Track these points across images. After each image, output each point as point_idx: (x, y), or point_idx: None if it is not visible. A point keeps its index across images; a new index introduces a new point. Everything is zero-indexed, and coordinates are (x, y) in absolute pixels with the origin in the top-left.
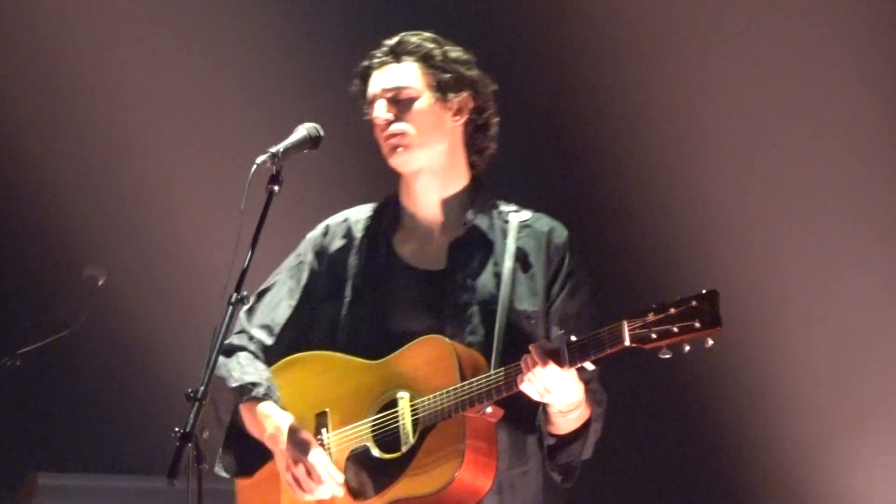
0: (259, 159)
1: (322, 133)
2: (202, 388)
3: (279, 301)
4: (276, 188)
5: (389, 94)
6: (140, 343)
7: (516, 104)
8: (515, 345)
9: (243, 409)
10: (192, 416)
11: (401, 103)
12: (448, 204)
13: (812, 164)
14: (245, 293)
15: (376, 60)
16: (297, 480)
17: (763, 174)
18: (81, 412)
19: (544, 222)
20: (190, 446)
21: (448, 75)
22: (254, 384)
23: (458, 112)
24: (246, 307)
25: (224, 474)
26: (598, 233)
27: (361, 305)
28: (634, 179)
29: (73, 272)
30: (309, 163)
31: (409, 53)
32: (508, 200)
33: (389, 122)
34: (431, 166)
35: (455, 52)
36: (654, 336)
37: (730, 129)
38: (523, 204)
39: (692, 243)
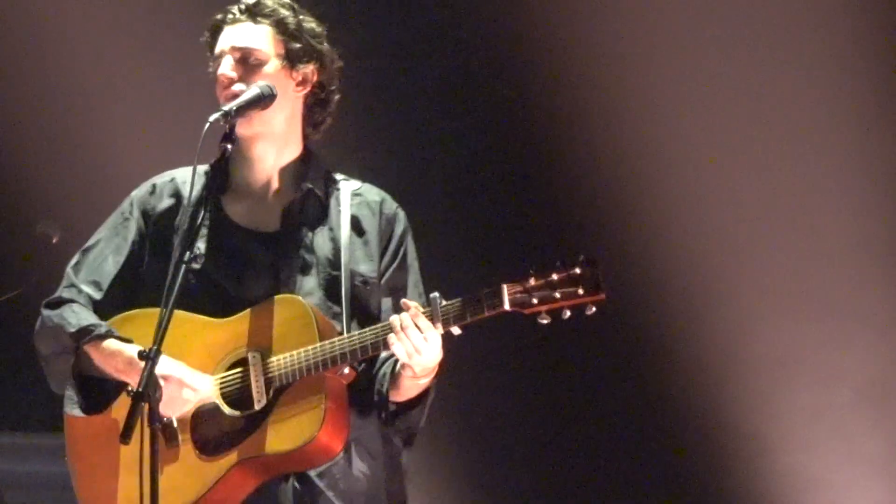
0: (212, 117)
1: (276, 91)
2: (154, 347)
3: (105, 257)
4: (229, 146)
5: (237, 54)
6: None
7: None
8: (356, 311)
9: (88, 350)
10: (145, 375)
11: (247, 65)
12: (283, 170)
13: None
14: (199, 252)
15: (230, 16)
16: (171, 398)
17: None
18: (29, 372)
19: (375, 192)
20: (143, 405)
21: (298, 45)
22: (94, 325)
23: (302, 83)
24: (72, 262)
25: (75, 414)
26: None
27: (191, 265)
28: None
29: (26, 229)
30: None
31: (265, 16)
32: (336, 170)
33: (232, 81)
34: (268, 132)
35: (309, 23)
36: (534, 301)
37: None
38: (354, 174)
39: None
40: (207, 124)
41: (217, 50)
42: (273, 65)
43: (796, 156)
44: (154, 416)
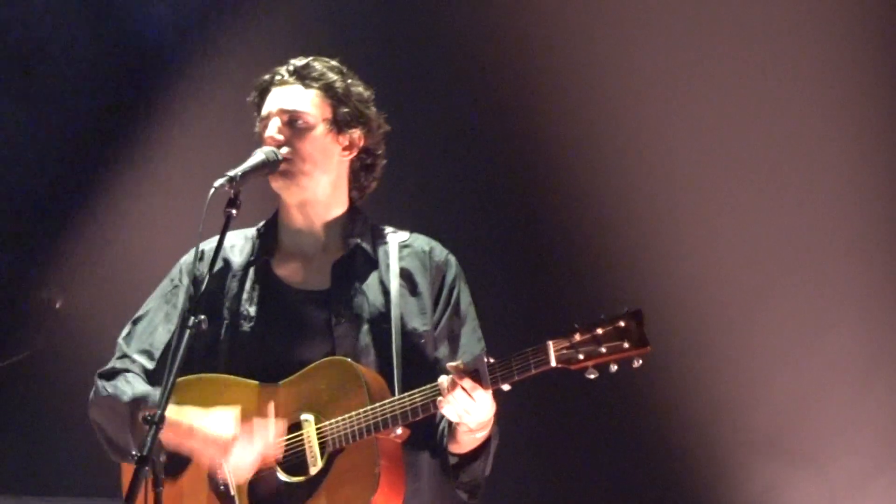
0: (217, 183)
1: (280, 156)
2: (159, 412)
3: (156, 326)
4: (233, 212)
5: (285, 117)
6: (96, 366)
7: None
8: (411, 366)
9: (141, 423)
10: (149, 439)
11: (295, 128)
12: (329, 227)
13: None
14: (202, 317)
15: (278, 77)
16: (241, 452)
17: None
18: (32, 434)
19: (423, 241)
20: (147, 469)
21: (346, 110)
22: (148, 394)
23: (349, 148)
24: (123, 334)
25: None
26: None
27: (243, 328)
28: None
29: (30, 294)
30: (266, 186)
31: (314, 79)
32: (383, 223)
33: (280, 144)
34: (314, 197)
35: (357, 88)
36: (581, 357)
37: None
38: (404, 226)
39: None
40: (212, 190)
41: (265, 111)
42: (320, 129)
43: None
44: (158, 480)
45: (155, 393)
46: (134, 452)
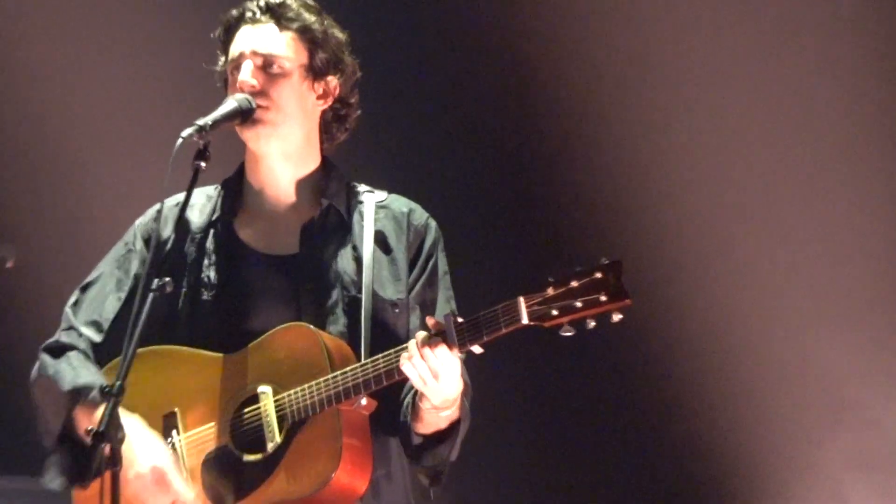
0: (185, 133)
1: (254, 104)
2: (118, 383)
3: (107, 294)
4: (202, 164)
5: (259, 60)
6: (48, 333)
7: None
8: (383, 335)
9: (78, 414)
10: (106, 413)
11: (269, 73)
12: (301, 184)
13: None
14: (167, 279)
15: (249, 13)
16: (144, 491)
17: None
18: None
19: (402, 203)
20: (104, 446)
21: (324, 55)
22: (88, 386)
23: (323, 97)
24: (70, 301)
25: (54, 488)
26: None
27: (203, 296)
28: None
29: None
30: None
31: (289, 19)
32: (359, 180)
33: (254, 90)
34: (286, 147)
35: (334, 30)
36: (555, 312)
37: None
38: (381, 184)
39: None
40: (180, 140)
41: (234, 51)
42: (296, 76)
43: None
44: (115, 457)
45: (97, 382)
46: (90, 427)
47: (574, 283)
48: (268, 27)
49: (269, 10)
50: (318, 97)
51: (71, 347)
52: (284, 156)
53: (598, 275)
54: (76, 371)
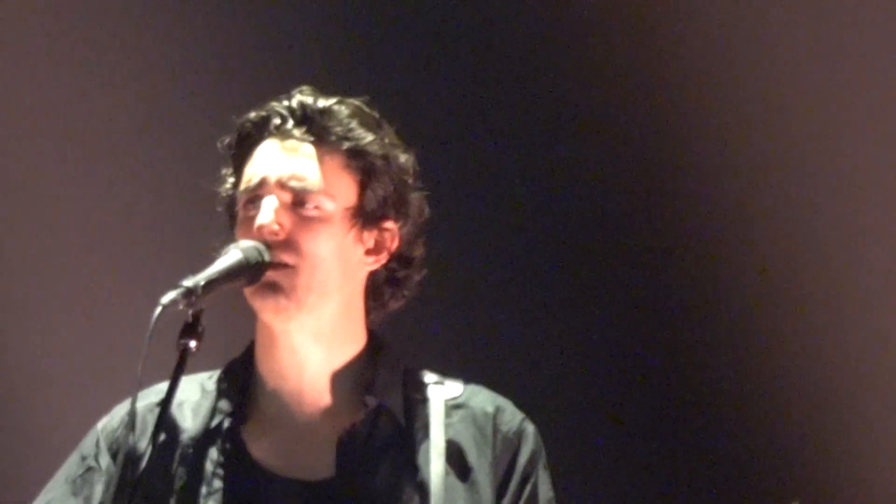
0: (165, 298)
1: (267, 257)
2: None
3: None
4: (192, 344)
5: (287, 196)
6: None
7: None
8: None
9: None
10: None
11: (300, 215)
12: (337, 376)
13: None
14: None
15: (277, 120)
16: None
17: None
18: None
19: (485, 398)
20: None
21: (382, 192)
22: None
23: (374, 251)
24: None
25: None
26: None
27: None
28: None
29: None
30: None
31: (338, 137)
32: (427, 364)
33: (276, 240)
34: (317, 325)
35: (398, 152)
36: None
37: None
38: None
39: None
40: (159, 308)
41: (253, 177)
42: (338, 223)
43: None
44: None
45: None
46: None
47: None
48: (303, 147)
49: (307, 121)
50: (368, 251)
51: None
52: (314, 336)
53: None
54: None
